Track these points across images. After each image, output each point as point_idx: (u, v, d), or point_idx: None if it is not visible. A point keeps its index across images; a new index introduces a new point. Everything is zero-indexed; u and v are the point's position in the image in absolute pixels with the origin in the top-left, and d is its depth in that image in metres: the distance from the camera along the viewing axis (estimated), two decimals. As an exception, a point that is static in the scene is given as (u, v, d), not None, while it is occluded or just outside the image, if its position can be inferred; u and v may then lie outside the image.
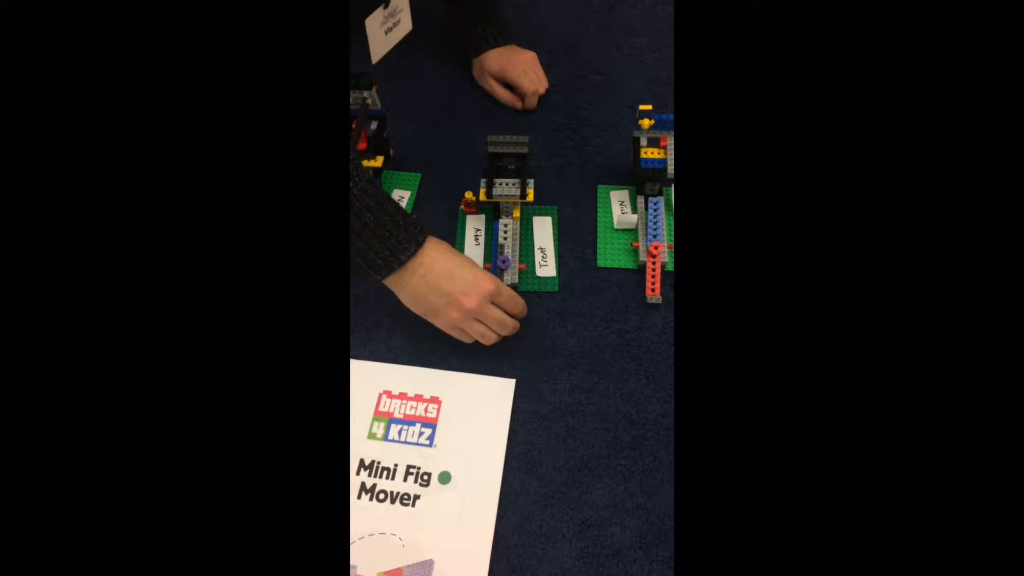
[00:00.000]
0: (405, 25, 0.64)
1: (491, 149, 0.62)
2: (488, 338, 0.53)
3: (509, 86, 0.75)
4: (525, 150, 0.62)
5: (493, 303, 0.52)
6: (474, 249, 0.64)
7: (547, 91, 0.76)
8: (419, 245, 0.50)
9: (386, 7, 0.60)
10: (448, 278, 0.50)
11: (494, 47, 0.75)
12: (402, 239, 0.49)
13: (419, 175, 0.70)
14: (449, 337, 0.59)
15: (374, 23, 0.60)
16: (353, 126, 0.65)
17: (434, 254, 0.51)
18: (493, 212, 0.65)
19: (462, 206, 0.66)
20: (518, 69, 0.74)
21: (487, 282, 0.51)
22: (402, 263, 0.50)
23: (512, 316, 0.54)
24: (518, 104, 0.75)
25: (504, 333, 0.54)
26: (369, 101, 0.63)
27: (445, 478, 0.50)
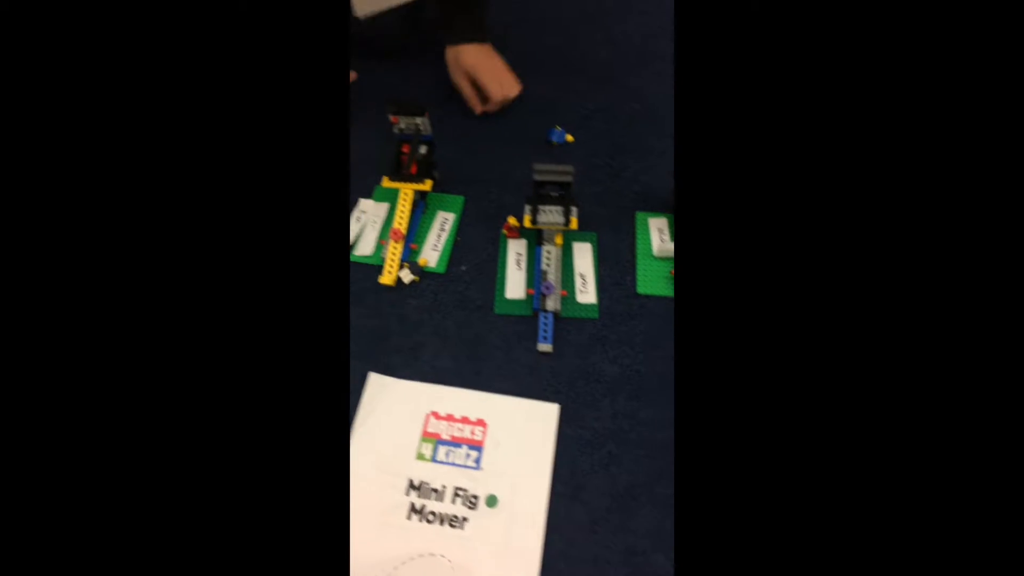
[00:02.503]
0: None
1: (536, 177, 0.63)
2: None
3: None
4: (569, 179, 0.64)
5: None
6: (516, 273, 0.66)
7: (517, 95, 0.76)
8: None
9: None
10: None
11: (472, 42, 0.75)
12: None
13: (462, 198, 0.72)
14: (492, 358, 0.60)
15: None
16: (405, 150, 0.67)
17: None
18: (535, 237, 0.67)
19: (504, 230, 0.68)
20: (489, 73, 0.75)
21: None
22: None
23: None
24: (478, 108, 0.76)
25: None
26: (421, 128, 0.65)
27: (492, 501, 0.51)
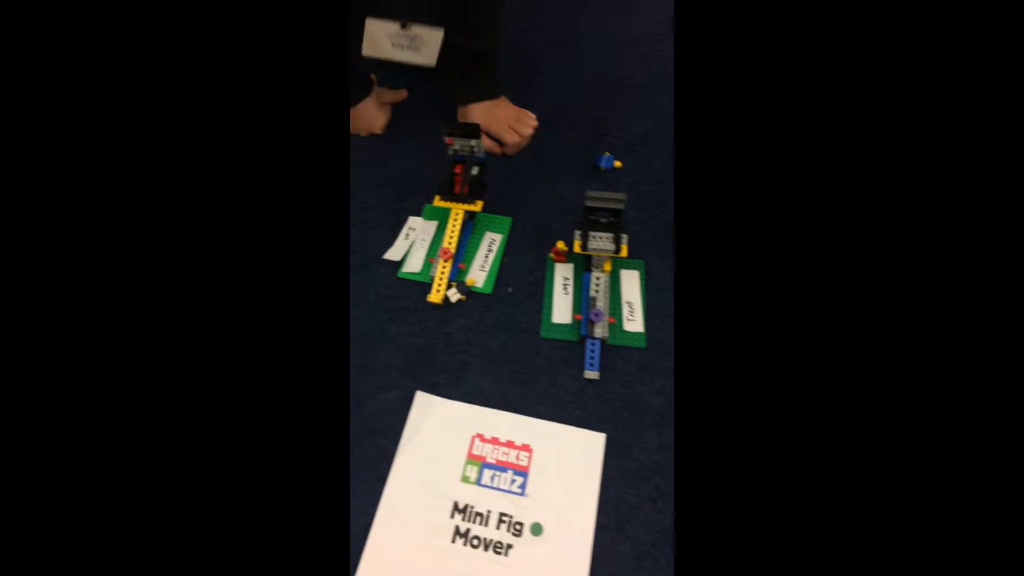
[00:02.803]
0: (425, 56, 0.66)
1: (588, 203, 0.64)
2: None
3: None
4: (621, 206, 0.64)
5: None
6: (563, 297, 0.66)
7: (534, 132, 0.78)
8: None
9: (404, 28, 0.63)
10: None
11: (481, 100, 0.77)
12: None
13: (510, 219, 0.72)
14: (538, 383, 0.60)
15: (379, 28, 0.63)
16: (458, 171, 0.68)
17: None
18: (583, 263, 0.67)
19: (552, 254, 0.68)
20: (502, 125, 0.77)
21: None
22: None
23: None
24: (497, 151, 0.78)
25: None
26: (476, 149, 0.66)
27: (537, 529, 0.50)
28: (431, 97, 0.85)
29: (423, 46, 0.66)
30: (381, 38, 0.65)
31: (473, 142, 0.66)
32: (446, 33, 0.67)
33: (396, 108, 0.83)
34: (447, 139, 0.67)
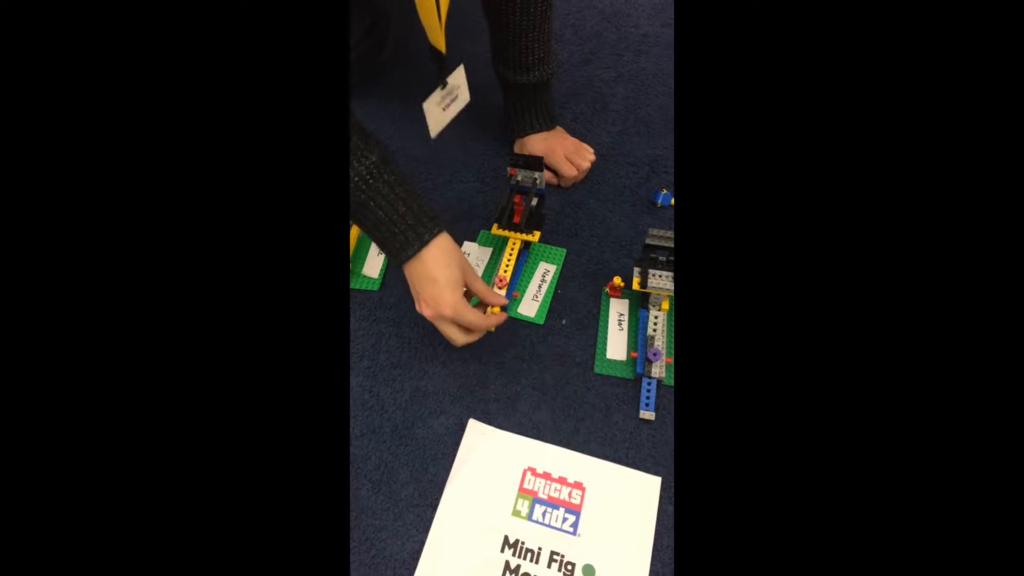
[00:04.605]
0: (463, 98, 0.68)
1: (648, 241, 0.64)
2: (455, 341, 0.57)
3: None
4: (681, 245, 0.64)
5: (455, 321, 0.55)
6: (617, 333, 0.65)
7: (591, 165, 0.78)
8: (424, 244, 0.54)
9: (443, 88, 0.64)
10: (423, 280, 0.55)
11: (538, 131, 0.77)
12: (411, 235, 0.53)
13: (564, 251, 0.72)
14: (591, 419, 0.59)
15: (432, 104, 0.64)
16: (517, 200, 0.69)
17: (432, 252, 0.54)
18: (639, 300, 0.66)
19: (607, 289, 0.68)
20: (559, 156, 0.76)
21: (447, 308, 0.54)
22: (412, 255, 0.54)
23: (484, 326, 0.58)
24: (554, 182, 0.78)
25: (458, 345, 0.58)
26: (539, 182, 0.67)
27: (589, 571, 0.49)
28: (489, 124, 0.86)
29: (458, 90, 0.67)
30: (436, 112, 0.66)
31: (536, 174, 0.66)
32: (493, 66, 0.69)
33: (455, 130, 0.84)
34: (510, 170, 0.68)
